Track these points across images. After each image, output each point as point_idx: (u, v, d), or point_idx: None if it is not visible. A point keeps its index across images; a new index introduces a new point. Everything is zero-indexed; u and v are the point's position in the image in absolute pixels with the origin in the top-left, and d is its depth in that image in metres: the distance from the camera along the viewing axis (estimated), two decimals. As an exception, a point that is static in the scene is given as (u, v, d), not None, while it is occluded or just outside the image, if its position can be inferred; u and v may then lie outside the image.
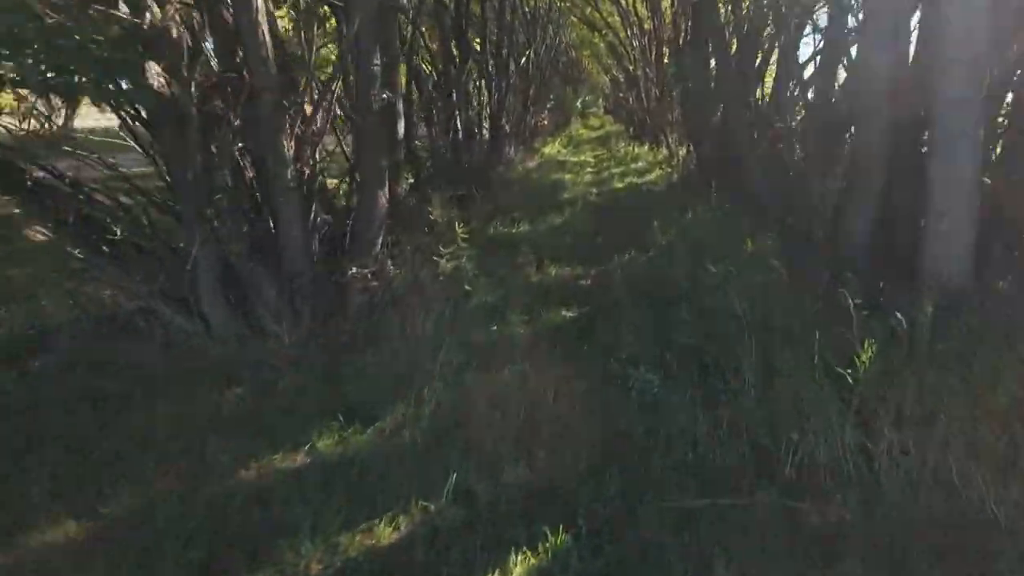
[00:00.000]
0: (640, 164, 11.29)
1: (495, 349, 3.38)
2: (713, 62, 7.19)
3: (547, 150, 13.44)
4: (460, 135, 7.28)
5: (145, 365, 3.23)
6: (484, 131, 8.57)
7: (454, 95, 6.97)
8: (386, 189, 4.17)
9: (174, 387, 3.01)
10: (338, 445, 2.57)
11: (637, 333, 3.45)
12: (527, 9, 11.80)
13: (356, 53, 3.84)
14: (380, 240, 4.15)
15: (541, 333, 3.64)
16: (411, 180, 5.11)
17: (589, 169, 11.99)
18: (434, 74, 7.44)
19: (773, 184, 5.67)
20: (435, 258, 3.83)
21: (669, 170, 10.01)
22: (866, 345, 2.30)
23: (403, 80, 5.81)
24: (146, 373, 3.15)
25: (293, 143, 3.23)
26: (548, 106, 15.67)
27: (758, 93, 6.74)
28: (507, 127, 9.60)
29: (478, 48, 8.60)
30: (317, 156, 3.69)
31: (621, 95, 18.91)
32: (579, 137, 18.95)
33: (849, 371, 2.32)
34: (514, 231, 6.13)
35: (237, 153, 3.36)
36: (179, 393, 2.96)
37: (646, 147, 12.85)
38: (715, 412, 2.63)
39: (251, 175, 3.42)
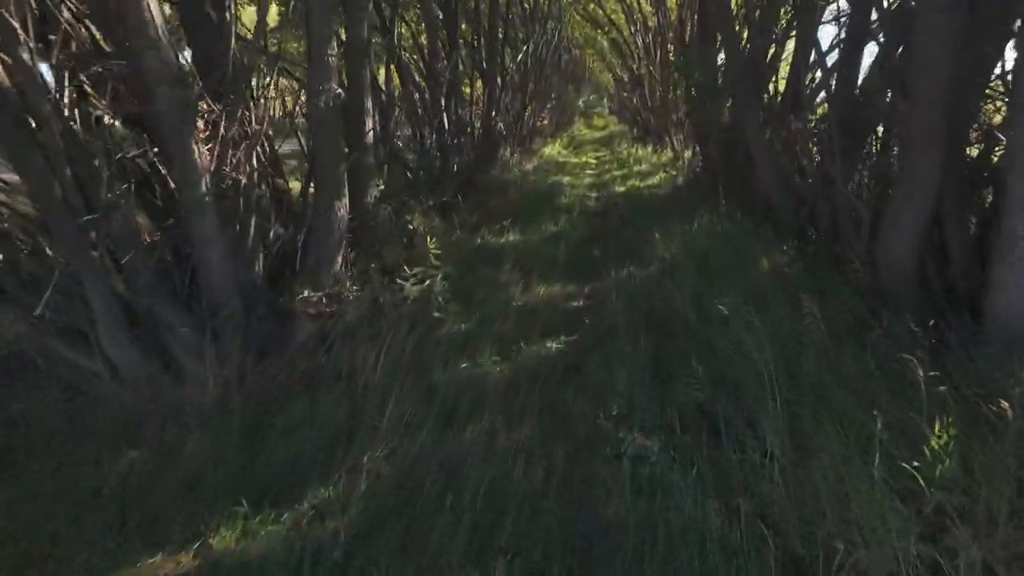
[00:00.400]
0: (643, 166, 10.61)
1: (460, 396, 2.75)
2: (722, 56, 6.54)
3: (547, 151, 12.77)
4: (447, 135, 6.64)
5: (35, 416, 2.64)
6: (477, 130, 7.95)
7: (442, 90, 6.34)
8: (346, 198, 3.56)
9: (57, 449, 2.42)
10: (239, 541, 1.96)
11: (633, 377, 2.81)
12: (526, 4, 11.15)
13: (308, 37, 3.24)
14: (339, 257, 3.54)
15: (520, 373, 3.01)
16: (382, 186, 4.48)
17: (589, 171, 11.33)
18: (421, 66, 6.81)
19: (789, 191, 5.01)
20: (399, 280, 3.20)
21: (673, 173, 9.34)
22: (938, 429, 1.67)
23: (381, 72, 5.18)
24: (30, 430, 2.55)
25: (215, 146, 2.62)
26: (549, 105, 15.00)
27: (771, 89, 6.06)
28: (502, 126, 8.96)
29: (471, 40, 7.99)
30: (255, 161, 3.09)
31: (625, 95, 18.25)
32: (581, 137, 18.26)
33: (916, 463, 1.68)
34: (503, 241, 5.49)
35: (153, 157, 2.76)
36: (60, 457, 2.36)
37: (650, 148, 12.17)
38: (730, 499, 2.00)
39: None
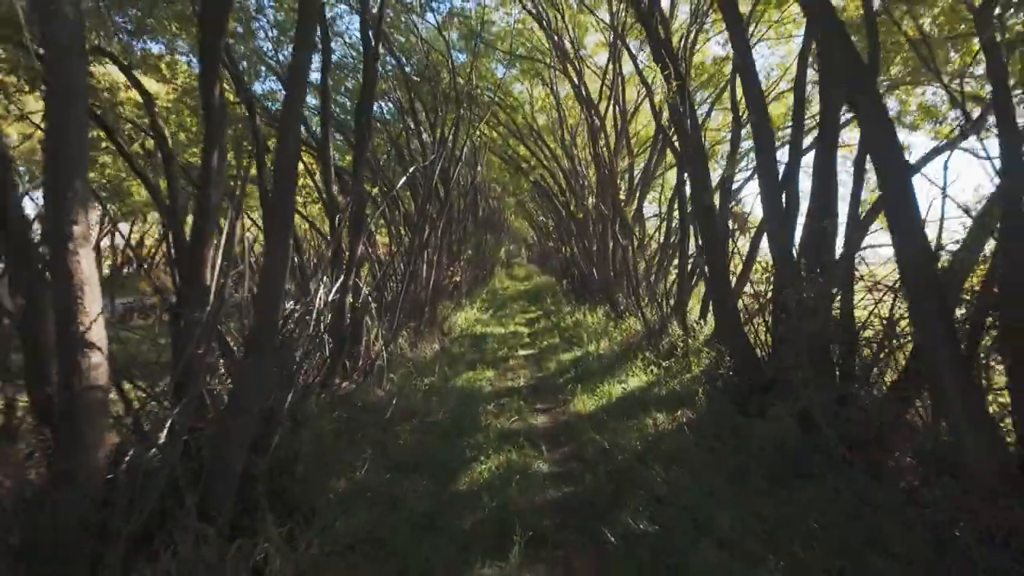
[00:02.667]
0: (602, 345, 6.55)
1: None
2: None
3: (461, 318, 8.59)
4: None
5: None
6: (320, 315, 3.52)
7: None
8: None
9: None
10: None
11: None
12: (426, 121, 7.64)
13: None
14: None
15: None
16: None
17: (523, 351, 7.10)
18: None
19: None
20: None
21: (665, 366, 5.26)
22: None
23: None
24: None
25: None
26: (464, 257, 11.20)
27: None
28: (370, 297, 4.64)
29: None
30: None
31: (551, 244, 15.04)
32: (504, 293, 14.50)
33: None
34: None
35: None
36: None
37: (600, 313, 8.31)
38: None
39: None
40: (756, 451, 3.30)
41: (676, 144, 6.82)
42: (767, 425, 3.33)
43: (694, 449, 3.35)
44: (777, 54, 7.69)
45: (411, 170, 5.36)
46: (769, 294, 4.26)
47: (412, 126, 7.87)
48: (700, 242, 5.75)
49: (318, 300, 3.58)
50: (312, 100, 8.98)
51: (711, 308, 6.40)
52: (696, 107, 6.70)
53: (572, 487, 3.03)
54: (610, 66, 9.06)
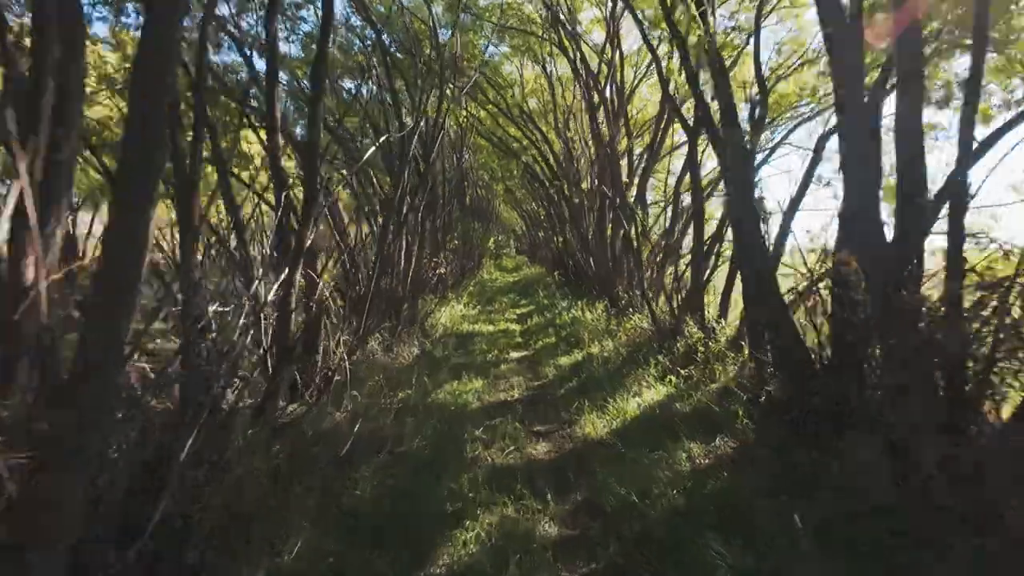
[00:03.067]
0: (607, 346, 5.68)
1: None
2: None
3: (445, 315, 7.68)
4: None
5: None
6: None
7: None
8: None
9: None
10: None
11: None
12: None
13: None
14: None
15: None
16: None
17: (515, 353, 6.23)
18: None
19: None
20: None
21: (684, 373, 4.41)
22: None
23: None
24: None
25: None
26: (450, 247, 10.24)
27: None
28: (323, 295, 3.73)
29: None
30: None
31: (542, 234, 14.15)
32: (493, 285, 13.58)
33: None
34: None
35: None
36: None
37: (599, 309, 7.43)
38: None
39: None
40: (830, 498, 2.46)
41: (688, 119, 5.97)
42: (849, 467, 2.47)
43: (750, 496, 2.49)
44: (788, 28, 6.76)
45: (384, 138, 4.39)
46: (820, 286, 3.43)
47: (391, 103, 6.85)
48: (728, 195, 4.77)
49: (246, 299, 2.65)
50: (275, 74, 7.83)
51: (729, 302, 5.59)
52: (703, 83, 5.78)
53: (592, 563, 2.15)
54: (607, 45, 8.16)
